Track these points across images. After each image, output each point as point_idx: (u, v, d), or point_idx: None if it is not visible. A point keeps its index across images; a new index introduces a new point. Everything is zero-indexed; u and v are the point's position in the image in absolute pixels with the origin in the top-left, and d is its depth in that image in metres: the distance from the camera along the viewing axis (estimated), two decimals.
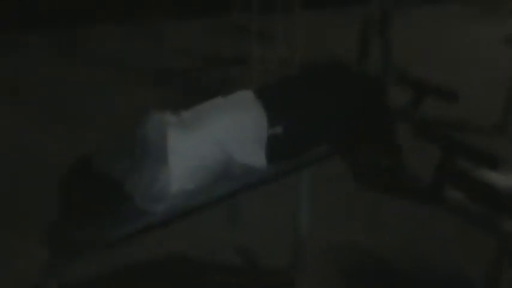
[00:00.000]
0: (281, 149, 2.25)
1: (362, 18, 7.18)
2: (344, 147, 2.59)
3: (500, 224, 2.33)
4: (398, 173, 2.55)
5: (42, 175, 3.95)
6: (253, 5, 7.07)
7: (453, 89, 2.91)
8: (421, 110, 2.91)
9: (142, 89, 6.72)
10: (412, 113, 2.91)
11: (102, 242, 1.96)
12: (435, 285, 3.25)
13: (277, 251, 3.37)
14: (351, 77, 2.66)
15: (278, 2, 7.50)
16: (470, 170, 2.50)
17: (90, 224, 1.94)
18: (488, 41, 7.08)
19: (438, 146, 2.38)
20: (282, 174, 2.34)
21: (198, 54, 8.08)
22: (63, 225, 2.02)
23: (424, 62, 7.94)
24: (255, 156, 2.19)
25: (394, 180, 2.56)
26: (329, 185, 3.80)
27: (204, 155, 2.09)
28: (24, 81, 6.91)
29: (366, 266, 3.46)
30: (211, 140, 2.12)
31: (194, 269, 3.38)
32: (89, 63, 7.70)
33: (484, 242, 2.52)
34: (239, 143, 2.16)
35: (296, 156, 2.37)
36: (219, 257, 3.43)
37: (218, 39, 8.12)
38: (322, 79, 2.55)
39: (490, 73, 6.11)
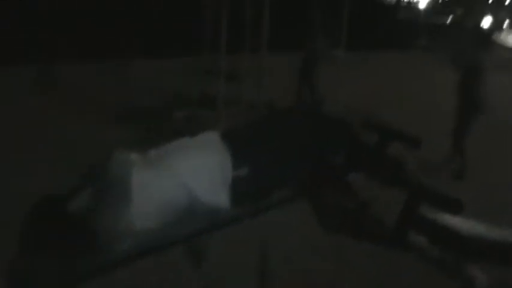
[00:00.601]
0: (245, 191, 2.24)
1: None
2: (308, 190, 2.59)
3: (464, 269, 2.34)
4: (363, 216, 2.55)
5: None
6: (221, 48, 7.15)
7: (416, 135, 2.95)
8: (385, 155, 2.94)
9: (111, 125, 6.69)
10: (377, 156, 2.92)
11: (66, 279, 1.91)
12: None
13: None
14: (317, 120, 2.68)
15: (246, 45, 7.61)
16: (434, 214, 2.52)
17: (55, 261, 1.90)
18: (447, 85, 7.27)
19: (403, 190, 2.39)
20: (246, 216, 2.32)
21: (167, 93, 8.10)
22: (28, 261, 1.97)
23: (386, 106, 8.11)
24: (219, 197, 2.18)
25: (359, 224, 2.56)
26: (295, 227, 3.79)
27: (169, 194, 2.08)
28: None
29: None
30: (177, 180, 2.11)
31: None
32: (61, 99, 7.69)
33: (447, 286, 2.53)
34: (204, 183, 2.15)
35: (261, 198, 2.36)
36: None
37: (187, 79, 8.17)
38: (287, 123, 2.57)
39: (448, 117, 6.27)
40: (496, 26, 27.57)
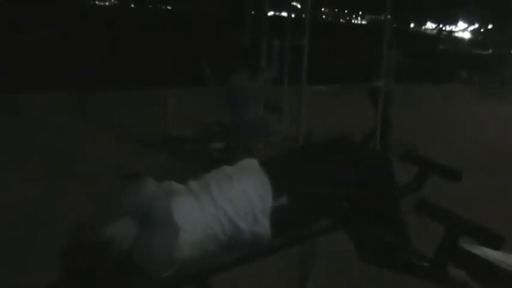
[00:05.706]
0: (285, 220, 2.25)
1: (366, 95, 7.36)
2: (347, 221, 2.60)
3: None
4: (402, 249, 2.55)
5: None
6: None
7: (457, 168, 2.93)
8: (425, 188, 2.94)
9: (145, 155, 6.77)
10: (416, 190, 2.92)
11: None
12: None
13: None
14: (356, 152, 2.70)
15: (285, 76, 7.68)
16: (473, 248, 2.50)
17: None
18: (490, 120, 7.18)
19: (442, 223, 2.39)
20: (285, 245, 2.33)
21: (203, 122, 8.17)
22: None
23: (428, 140, 8.03)
24: (259, 226, 2.20)
25: (397, 256, 2.56)
26: (333, 259, 3.78)
27: (211, 223, 2.13)
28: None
29: None
30: (219, 210, 2.15)
31: None
32: (97, 127, 7.84)
33: None
34: (245, 212, 2.18)
35: (300, 228, 2.37)
36: None
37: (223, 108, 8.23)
38: (327, 153, 2.58)
39: (492, 152, 6.18)
40: None
